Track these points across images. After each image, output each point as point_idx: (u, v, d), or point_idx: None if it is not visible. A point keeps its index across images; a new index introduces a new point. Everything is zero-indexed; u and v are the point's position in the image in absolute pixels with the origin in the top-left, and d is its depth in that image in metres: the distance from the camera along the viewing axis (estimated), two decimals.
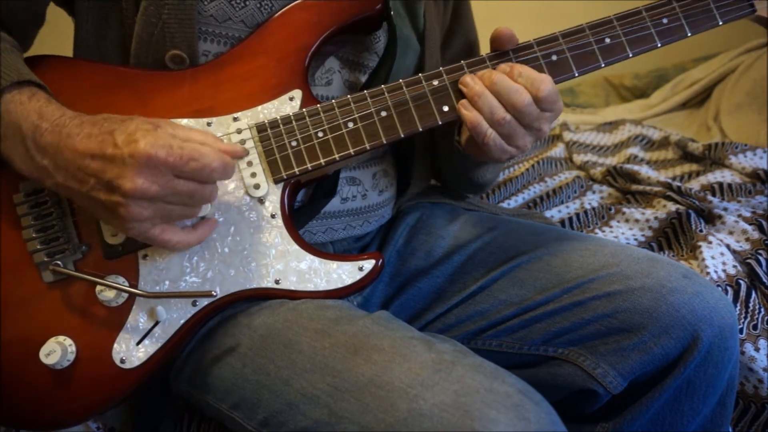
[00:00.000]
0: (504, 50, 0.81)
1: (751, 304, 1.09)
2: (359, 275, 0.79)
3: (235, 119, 0.79)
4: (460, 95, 0.80)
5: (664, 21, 0.82)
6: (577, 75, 0.82)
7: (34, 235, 0.76)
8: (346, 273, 0.78)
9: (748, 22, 0.88)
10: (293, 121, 0.78)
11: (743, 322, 1.07)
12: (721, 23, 0.84)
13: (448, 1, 1.05)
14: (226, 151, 0.71)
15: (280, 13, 0.82)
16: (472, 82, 0.78)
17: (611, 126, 2.07)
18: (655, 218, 1.35)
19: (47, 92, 0.73)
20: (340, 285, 0.78)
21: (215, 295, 0.76)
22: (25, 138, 0.69)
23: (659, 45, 0.83)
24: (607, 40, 0.82)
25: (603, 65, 0.83)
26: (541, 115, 0.78)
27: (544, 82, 0.76)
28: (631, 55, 0.82)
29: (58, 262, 0.75)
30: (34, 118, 0.69)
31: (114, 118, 0.68)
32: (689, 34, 0.83)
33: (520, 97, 0.76)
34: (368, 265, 0.79)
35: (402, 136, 0.79)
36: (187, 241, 0.73)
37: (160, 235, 0.70)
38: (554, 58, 0.81)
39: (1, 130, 0.70)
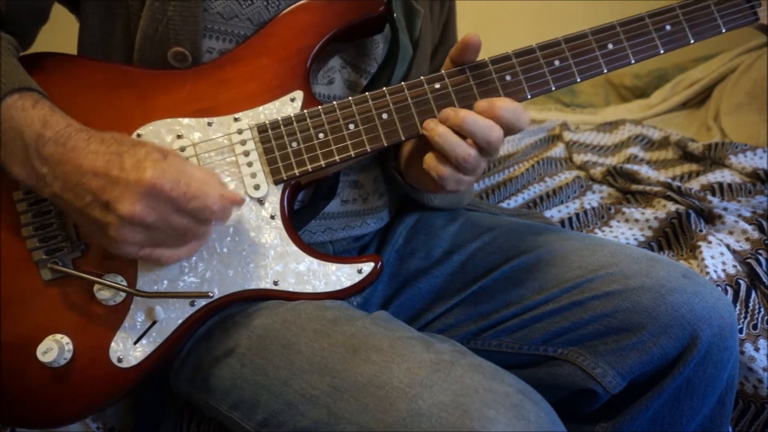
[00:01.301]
0: (470, 63, 0.80)
1: (750, 304, 1.09)
2: (358, 278, 0.79)
3: (236, 119, 0.79)
4: (463, 98, 0.79)
5: (667, 28, 0.82)
6: (579, 81, 0.82)
7: (33, 233, 0.75)
8: (345, 275, 0.79)
9: None
10: (294, 122, 0.78)
11: (743, 322, 1.07)
12: (724, 31, 0.84)
13: (441, 18, 1.05)
14: (227, 197, 0.70)
15: (283, 14, 0.82)
16: (437, 130, 0.75)
17: (611, 126, 2.07)
18: (655, 218, 1.36)
19: (49, 100, 0.72)
20: (338, 287, 0.78)
21: (212, 296, 0.76)
22: (27, 145, 0.68)
23: (662, 51, 0.83)
24: (610, 46, 0.81)
25: (606, 71, 0.82)
26: (499, 147, 0.76)
27: (524, 114, 0.75)
28: (633, 62, 0.82)
29: (57, 260, 0.75)
30: (38, 125, 0.68)
31: (125, 140, 0.68)
32: (692, 41, 0.83)
33: (493, 133, 0.74)
34: (367, 267, 0.79)
35: (403, 138, 0.79)
36: (177, 257, 0.73)
37: (149, 255, 0.70)
38: (557, 63, 0.81)
39: (1, 137, 0.69)
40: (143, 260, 0.73)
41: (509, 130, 0.75)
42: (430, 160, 0.77)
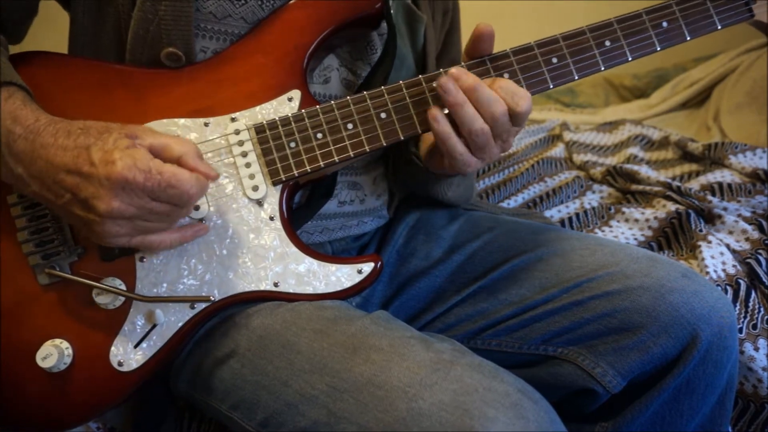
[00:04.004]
0: (488, 53, 0.80)
1: (750, 304, 1.09)
2: (358, 278, 0.79)
3: (233, 120, 0.78)
4: None
5: (664, 24, 0.83)
6: (577, 78, 0.82)
7: (28, 237, 0.75)
8: (344, 276, 0.78)
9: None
10: (292, 123, 0.78)
11: (743, 322, 1.07)
12: (720, 27, 0.84)
13: (444, 27, 1.05)
14: (201, 177, 0.70)
15: (278, 11, 0.82)
16: (454, 89, 0.75)
17: (611, 126, 2.06)
18: (655, 218, 1.36)
19: (27, 93, 0.72)
20: (338, 288, 0.78)
21: (213, 300, 0.76)
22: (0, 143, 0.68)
23: (659, 49, 0.83)
24: (608, 43, 0.82)
25: (603, 68, 0.83)
26: (511, 129, 0.77)
27: (524, 97, 0.76)
28: (630, 59, 0.83)
29: (54, 265, 0.74)
30: (8, 122, 0.67)
31: (91, 129, 0.67)
32: (688, 38, 0.84)
33: (498, 106, 0.75)
34: (367, 267, 0.79)
35: (402, 138, 0.79)
36: (168, 242, 0.73)
37: (140, 243, 0.71)
38: (555, 61, 0.81)
39: None
40: (141, 248, 0.73)
41: (509, 109, 0.75)
42: (443, 128, 0.77)
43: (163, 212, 0.68)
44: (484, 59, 0.80)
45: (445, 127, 0.76)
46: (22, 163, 0.67)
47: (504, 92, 0.75)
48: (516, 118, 0.76)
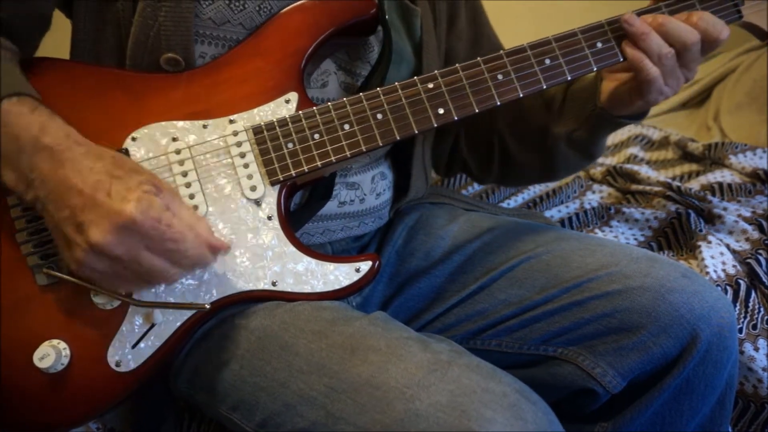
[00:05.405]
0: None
1: (750, 304, 1.09)
2: (356, 276, 0.79)
3: (232, 121, 0.79)
4: (456, 98, 0.80)
5: None
6: (570, 79, 0.83)
7: (27, 238, 0.75)
8: (343, 274, 0.78)
9: None
10: (289, 124, 0.78)
11: (743, 322, 1.07)
12: None
13: (454, 21, 1.05)
14: (212, 244, 0.70)
15: (276, 16, 0.82)
16: (638, 21, 0.81)
17: None
18: (655, 218, 1.36)
19: (48, 108, 0.71)
20: (337, 286, 0.78)
21: (208, 308, 0.75)
22: (21, 149, 0.67)
23: None
24: (599, 45, 0.83)
25: (595, 69, 0.84)
26: (698, 58, 0.83)
27: (725, 28, 0.82)
28: (621, 60, 0.84)
29: (52, 265, 0.74)
30: (35, 130, 0.67)
31: (124, 163, 0.68)
32: None
33: (690, 35, 0.80)
34: (365, 266, 0.79)
35: (398, 138, 0.79)
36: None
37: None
38: (548, 62, 0.82)
39: None
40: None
41: (706, 37, 0.81)
42: (637, 53, 0.81)
43: (146, 266, 0.67)
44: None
45: (637, 52, 0.81)
46: (37, 170, 0.67)
47: (705, 22, 0.81)
48: (711, 46, 0.83)
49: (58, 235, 0.69)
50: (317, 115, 0.79)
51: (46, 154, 0.67)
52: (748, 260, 1.17)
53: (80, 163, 0.66)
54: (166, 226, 0.65)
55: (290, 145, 0.78)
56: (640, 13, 0.84)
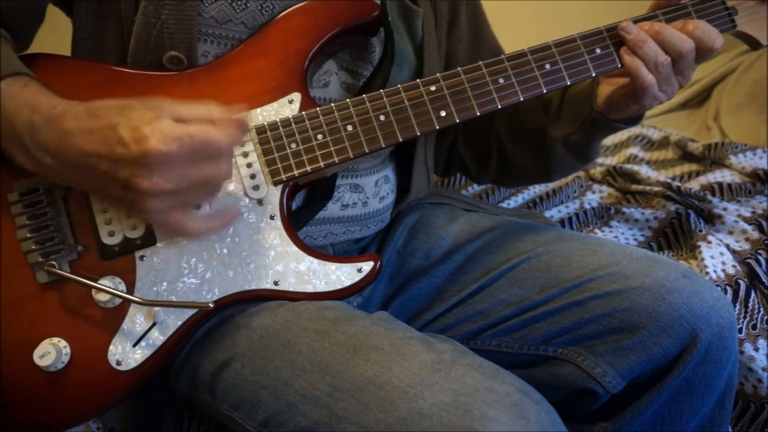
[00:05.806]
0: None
1: (750, 304, 1.09)
2: (358, 276, 0.79)
3: None
4: (458, 101, 0.80)
5: None
6: (569, 83, 0.84)
7: (28, 235, 0.74)
8: (344, 274, 0.79)
9: None
10: (292, 124, 0.79)
11: (742, 322, 1.07)
12: None
13: (455, 22, 1.05)
14: (233, 120, 0.69)
15: (279, 16, 0.83)
16: (635, 29, 0.82)
17: None
18: (655, 218, 1.36)
19: (38, 82, 0.71)
20: (338, 286, 0.78)
21: (211, 307, 0.75)
22: (20, 136, 0.67)
23: None
24: (598, 51, 0.84)
25: (594, 74, 0.85)
26: (693, 65, 0.84)
27: (720, 37, 0.83)
28: (619, 66, 0.84)
29: (53, 263, 0.74)
30: (27, 113, 0.67)
31: (112, 107, 0.66)
32: None
33: (686, 44, 0.81)
34: (367, 266, 0.79)
35: (400, 139, 0.80)
36: (204, 227, 0.73)
37: (178, 223, 0.70)
38: (548, 67, 0.83)
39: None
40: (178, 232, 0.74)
41: (701, 45, 0.82)
42: (635, 60, 0.82)
43: (199, 179, 0.67)
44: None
45: (635, 59, 0.82)
46: (49, 152, 0.67)
47: (700, 31, 0.82)
48: (705, 54, 0.83)
49: (114, 202, 0.71)
50: (320, 116, 0.79)
51: (44, 134, 0.66)
52: (748, 260, 1.17)
53: (78, 130, 0.65)
54: (189, 137, 0.64)
55: (293, 146, 0.78)
56: (637, 20, 0.84)
